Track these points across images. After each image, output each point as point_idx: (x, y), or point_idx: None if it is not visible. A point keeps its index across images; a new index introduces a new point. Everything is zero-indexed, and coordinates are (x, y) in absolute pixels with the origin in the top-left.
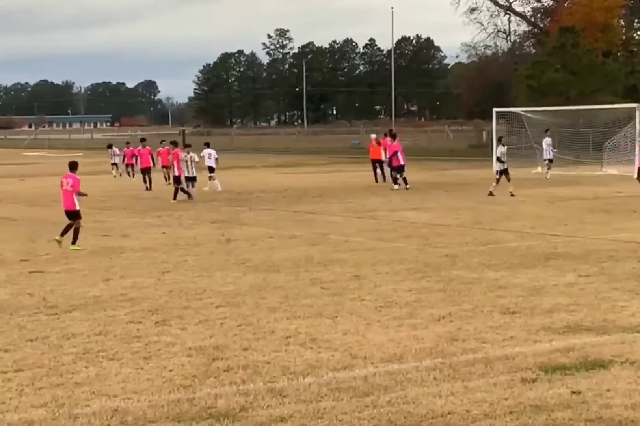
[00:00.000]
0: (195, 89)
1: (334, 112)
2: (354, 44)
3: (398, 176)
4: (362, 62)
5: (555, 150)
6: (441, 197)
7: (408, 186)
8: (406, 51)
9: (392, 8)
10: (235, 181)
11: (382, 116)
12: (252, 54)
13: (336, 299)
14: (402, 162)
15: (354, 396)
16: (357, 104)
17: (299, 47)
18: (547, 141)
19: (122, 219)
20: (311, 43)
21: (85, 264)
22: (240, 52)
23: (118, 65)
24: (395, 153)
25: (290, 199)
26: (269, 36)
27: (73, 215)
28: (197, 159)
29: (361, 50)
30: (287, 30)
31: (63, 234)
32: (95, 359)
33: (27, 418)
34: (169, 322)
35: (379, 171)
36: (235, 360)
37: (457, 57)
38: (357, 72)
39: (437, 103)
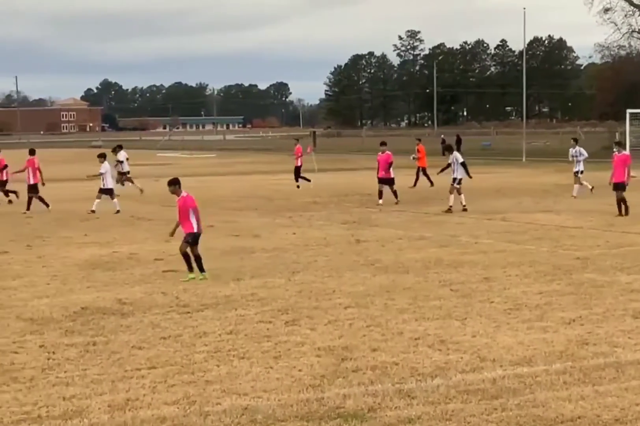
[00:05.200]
0: (326, 90)
1: (465, 113)
2: (485, 44)
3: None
4: (493, 63)
5: None
6: (572, 199)
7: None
8: (538, 52)
9: (524, 8)
10: (365, 182)
11: (513, 117)
12: (383, 56)
13: (465, 301)
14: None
15: (483, 398)
16: (487, 105)
17: (429, 49)
18: None
19: (253, 219)
20: (442, 44)
21: (217, 264)
22: (371, 53)
23: (250, 67)
24: (390, 164)
25: (420, 200)
26: (400, 38)
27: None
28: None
29: (492, 51)
30: (418, 32)
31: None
32: (226, 357)
33: (160, 414)
34: (299, 322)
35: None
36: (363, 360)
37: (590, 57)
38: (488, 73)
39: (569, 104)
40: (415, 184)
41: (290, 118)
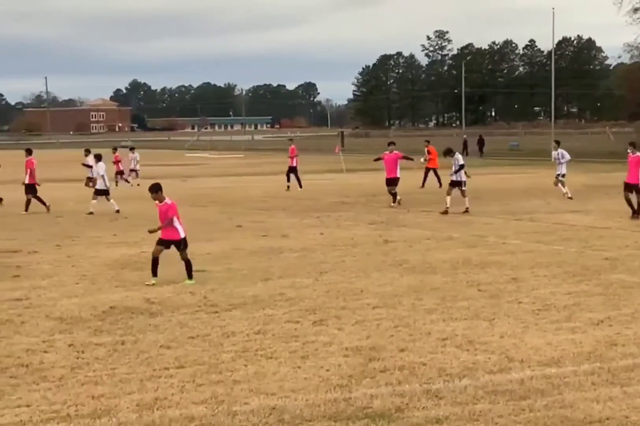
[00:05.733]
0: (354, 90)
1: (493, 113)
2: (513, 45)
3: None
4: (522, 63)
5: None
6: (602, 200)
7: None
8: (567, 52)
9: (553, 8)
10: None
11: (541, 118)
12: (411, 56)
13: (493, 301)
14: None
15: (510, 399)
16: (516, 106)
17: (458, 49)
18: None
19: (282, 219)
20: (470, 44)
21: (244, 264)
22: (399, 53)
23: (279, 67)
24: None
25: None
26: (428, 38)
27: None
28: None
29: (521, 51)
30: (447, 32)
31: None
32: (254, 357)
33: (188, 414)
34: (326, 322)
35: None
36: (391, 360)
37: (619, 57)
38: (516, 73)
39: (598, 104)
40: (423, 185)
41: (318, 118)
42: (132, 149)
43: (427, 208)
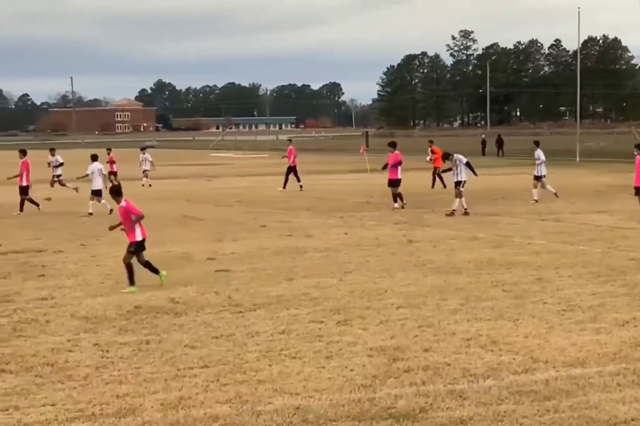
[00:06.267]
0: (379, 90)
1: (518, 113)
2: (539, 44)
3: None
4: (547, 63)
5: None
6: (627, 200)
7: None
8: (592, 51)
9: (579, 8)
10: (417, 183)
11: (566, 118)
12: (436, 56)
13: (518, 301)
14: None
15: (535, 400)
16: (541, 106)
17: (483, 48)
18: None
19: (306, 219)
20: (495, 44)
21: (269, 264)
22: (424, 53)
23: (303, 67)
24: (397, 164)
25: (471, 201)
26: (453, 37)
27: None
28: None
29: (546, 51)
30: (472, 32)
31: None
32: (278, 357)
33: (212, 413)
34: (351, 322)
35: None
36: (415, 361)
37: None
38: (541, 73)
39: (624, 104)
40: (433, 186)
41: (343, 118)
42: (143, 149)
43: (450, 208)
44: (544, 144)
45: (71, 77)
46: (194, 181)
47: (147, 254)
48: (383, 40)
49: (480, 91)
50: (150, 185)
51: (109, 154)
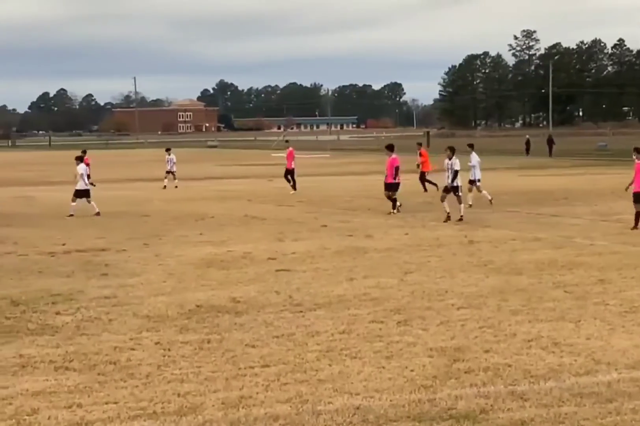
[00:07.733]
0: (440, 90)
1: (580, 113)
2: (602, 44)
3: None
4: (611, 62)
5: None
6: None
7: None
8: None
9: None
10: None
11: (630, 118)
12: (498, 56)
13: (579, 303)
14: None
15: (597, 402)
16: (604, 106)
17: (545, 48)
18: None
19: (367, 219)
20: (558, 44)
21: (330, 264)
22: (486, 53)
23: (364, 67)
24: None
25: (533, 201)
26: (516, 37)
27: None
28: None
29: (609, 51)
30: (534, 31)
31: None
32: (338, 357)
33: (272, 412)
34: (411, 322)
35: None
36: (476, 361)
37: None
38: (605, 72)
39: None
40: (433, 188)
41: (404, 118)
42: (168, 150)
43: (513, 209)
44: (610, 144)
45: (134, 78)
46: (256, 180)
47: (209, 254)
48: (445, 41)
49: (543, 91)
50: (176, 186)
51: (84, 155)
